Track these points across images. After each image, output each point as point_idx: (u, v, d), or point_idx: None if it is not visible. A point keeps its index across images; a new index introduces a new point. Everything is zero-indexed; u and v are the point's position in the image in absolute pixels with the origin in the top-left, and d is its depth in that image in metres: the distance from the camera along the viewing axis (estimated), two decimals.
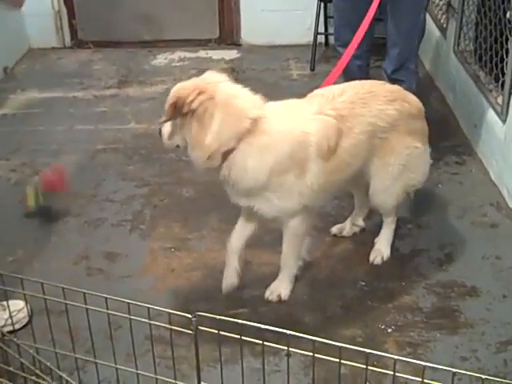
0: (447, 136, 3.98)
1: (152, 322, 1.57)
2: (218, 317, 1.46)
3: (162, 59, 5.34)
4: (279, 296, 2.68)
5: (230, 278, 2.68)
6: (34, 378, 1.38)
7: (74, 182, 3.39)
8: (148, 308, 1.56)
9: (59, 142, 3.92)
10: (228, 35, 5.52)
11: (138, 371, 1.72)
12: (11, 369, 1.45)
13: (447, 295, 2.69)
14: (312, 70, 5.01)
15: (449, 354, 2.37)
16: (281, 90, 4.44)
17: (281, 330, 1.41)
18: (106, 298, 1.58)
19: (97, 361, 1.79)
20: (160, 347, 2.08)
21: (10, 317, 1.87)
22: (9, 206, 3.38)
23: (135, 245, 3.05)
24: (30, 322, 2.39)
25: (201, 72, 2.48)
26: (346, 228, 3.11)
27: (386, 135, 2.59)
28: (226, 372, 1.74)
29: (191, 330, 1.48)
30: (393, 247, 2.99)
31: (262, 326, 1.44)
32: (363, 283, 2.78)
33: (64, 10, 5.45)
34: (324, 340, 1.37)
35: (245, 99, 2.37)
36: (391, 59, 3.60)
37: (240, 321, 1.43)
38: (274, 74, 4.96)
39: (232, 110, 2.32)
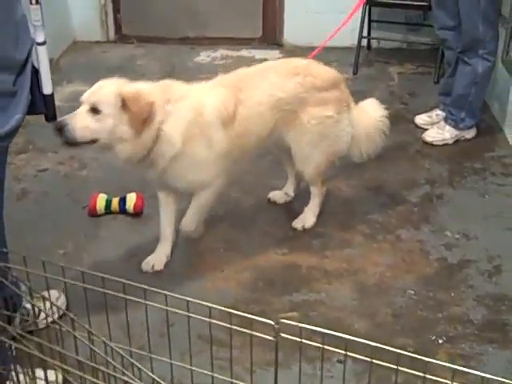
0: (493, 146, 3.96)
1: (213, 320, 1.57)
2: (300, 325, 1.45)
3: (204, 56, 5.36)
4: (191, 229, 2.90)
5: (158, 264, 2.90)
6: (102, 367, 1.39)
7: (121, 179, 3.41)
8: (209, 307, 1.56)
9: None
10: (271, 35, 5.52)
11: (193, 367, 1.72)
12: (80, 358, 1.46)
13: (497, 308, 2.68)
14: (355, 73, 5.01)
15: (501, 369, 2.35)
16: None
17: (340, 334, 1.40)
18: (165, 294, 1.58)
19: (153, 356, 1.78)
20: (213, 347, 2.09)
21: (51, 306, 1.87)
22: (59, 199, 3.42)
23: (184, 244, 3.06)
24: (67, 308, 2.41)
25: None
26: (277, 195, 3.37)
27: (291, 107, 2.81)
28: (278, 376, 1.73)
29: (272, 337, 1.47)
30: (440, 257, 2.99)
31: (324, 331, 1.42)
32: (412, 292, 2.77)
33: (109, 4, 5.50)
34: (382, 346, 1.36)
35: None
36: (461, 38, 3.80)
37: (319, 328, 1.42)
38: None
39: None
